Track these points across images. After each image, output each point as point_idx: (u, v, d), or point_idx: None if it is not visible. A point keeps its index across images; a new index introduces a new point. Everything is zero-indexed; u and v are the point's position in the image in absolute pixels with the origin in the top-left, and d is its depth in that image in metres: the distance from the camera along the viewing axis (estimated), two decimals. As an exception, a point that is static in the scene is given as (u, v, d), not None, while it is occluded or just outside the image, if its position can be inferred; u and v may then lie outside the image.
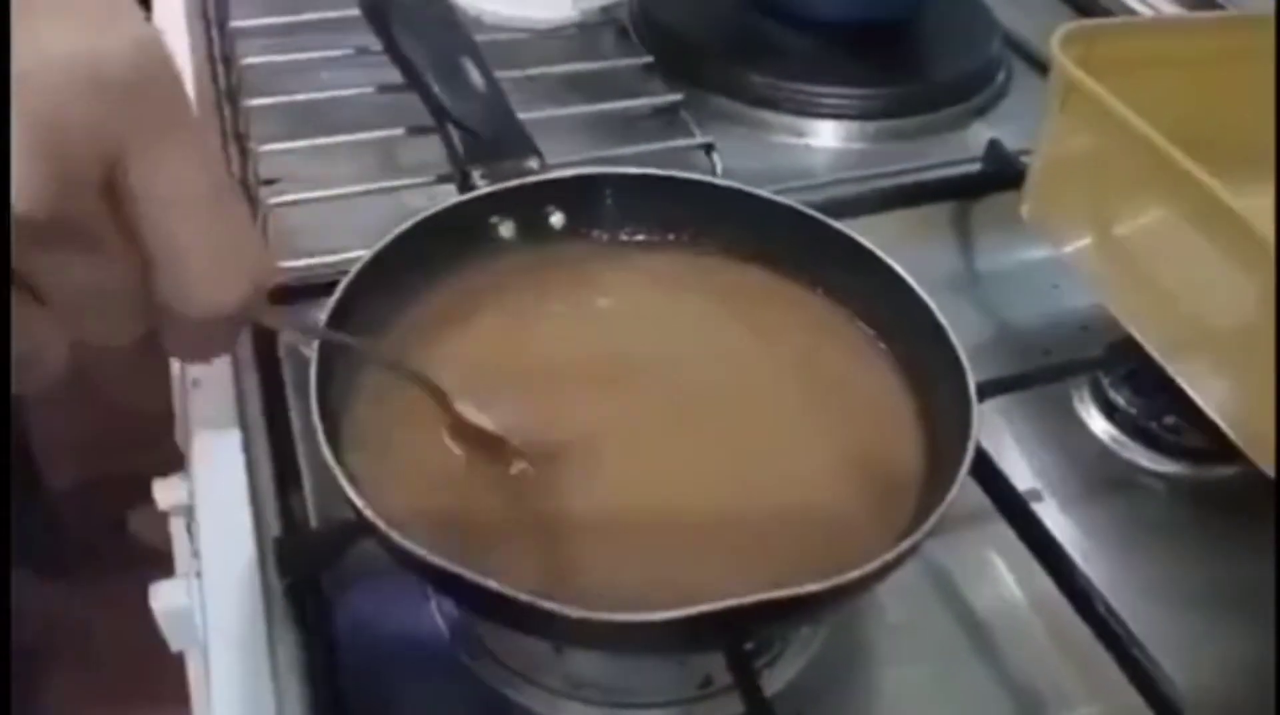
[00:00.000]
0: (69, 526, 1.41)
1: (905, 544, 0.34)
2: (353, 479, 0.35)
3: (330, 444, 0.35)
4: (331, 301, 0.40)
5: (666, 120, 0.65)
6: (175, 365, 0.67)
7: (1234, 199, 0.42)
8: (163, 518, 0.67)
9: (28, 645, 1.19)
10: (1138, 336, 0.49)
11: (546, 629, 0.35)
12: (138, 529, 1.34)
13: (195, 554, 0.46)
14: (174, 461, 0.60)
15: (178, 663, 0.62)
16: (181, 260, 0.24)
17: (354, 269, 0.41)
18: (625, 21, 0.72)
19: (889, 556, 0.34)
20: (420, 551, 0.33)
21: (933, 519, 0.35)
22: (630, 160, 0.56)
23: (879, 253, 0.45)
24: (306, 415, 0.41)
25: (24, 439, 1.34)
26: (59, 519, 1.41)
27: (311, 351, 0.38)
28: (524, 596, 0.31)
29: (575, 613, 0.31)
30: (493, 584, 0.32)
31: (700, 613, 0.31)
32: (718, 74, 0.69)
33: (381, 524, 0.33)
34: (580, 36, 0.71)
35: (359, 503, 0.34)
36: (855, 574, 0.33)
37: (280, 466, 0.44)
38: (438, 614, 0.42)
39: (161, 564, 0.60)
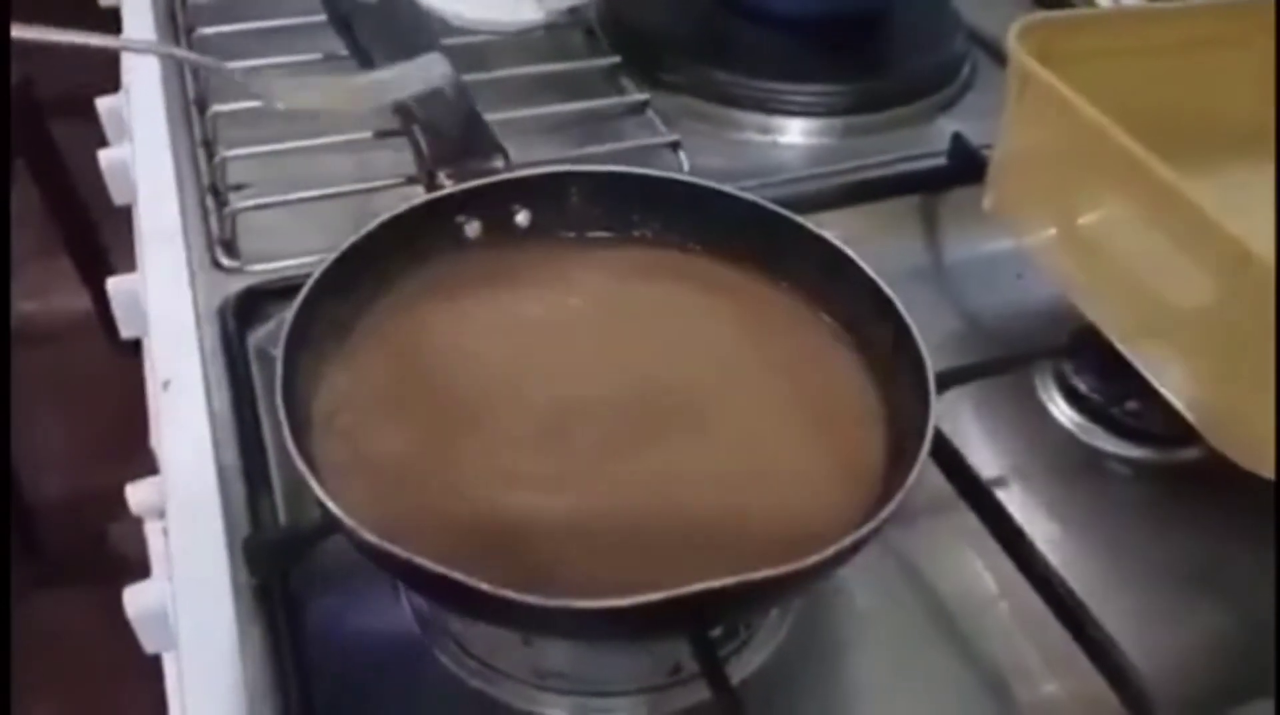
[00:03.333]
0: (50, 539, 1.41)
1: (863, 530, 0.35)
2: (318, 474, 0.35)
3: (296, 440, 0.36)
4: (297, 301, 0.40)
5: (634, 119, 0.66)
6: (148, 368, 0.68)
7: (1188, 186, 0.43)
8: (138, 524, 0.67)
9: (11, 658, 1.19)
10: (1098, 324, 0.49)
11: (512, 619, 0.35)
12: (119, 541, 1.34)
13: (168, 556, 0.47)
14: (152, 471, 0.61)
15: (155, 673, 0.62)
16: None
17: (319, 269, 0.42)
18: (592, 22, 0.73)
19: (846, 542, 0.34)
20: (385, 545, 0.33)
21: (891, 505, 0.36)
22: (598, 159, 0.57)
23: (840, 245, 0.45)
24: (275, 414, 0.41)
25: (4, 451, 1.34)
26: (39, 531, 1.40)
27: (279, 351, 0.38)
28: (487, 587, 0.32)
29: (538, 601, 0.32)
30: (457, 575, 0.32)
31: (662, 599, 0.32)
32: (684, 73, 0.70)
33: (346, 518, 0.34)
34: (547, 38, 0.71)
35: (323, 496, 0.34)
36: (814, 559, 0.34)
37: (249, 465, 0.44)
38: (408, 609, 0.43)
39: (139, 575, 0.60)
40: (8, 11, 0.35)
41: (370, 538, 0.33)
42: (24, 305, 1.68)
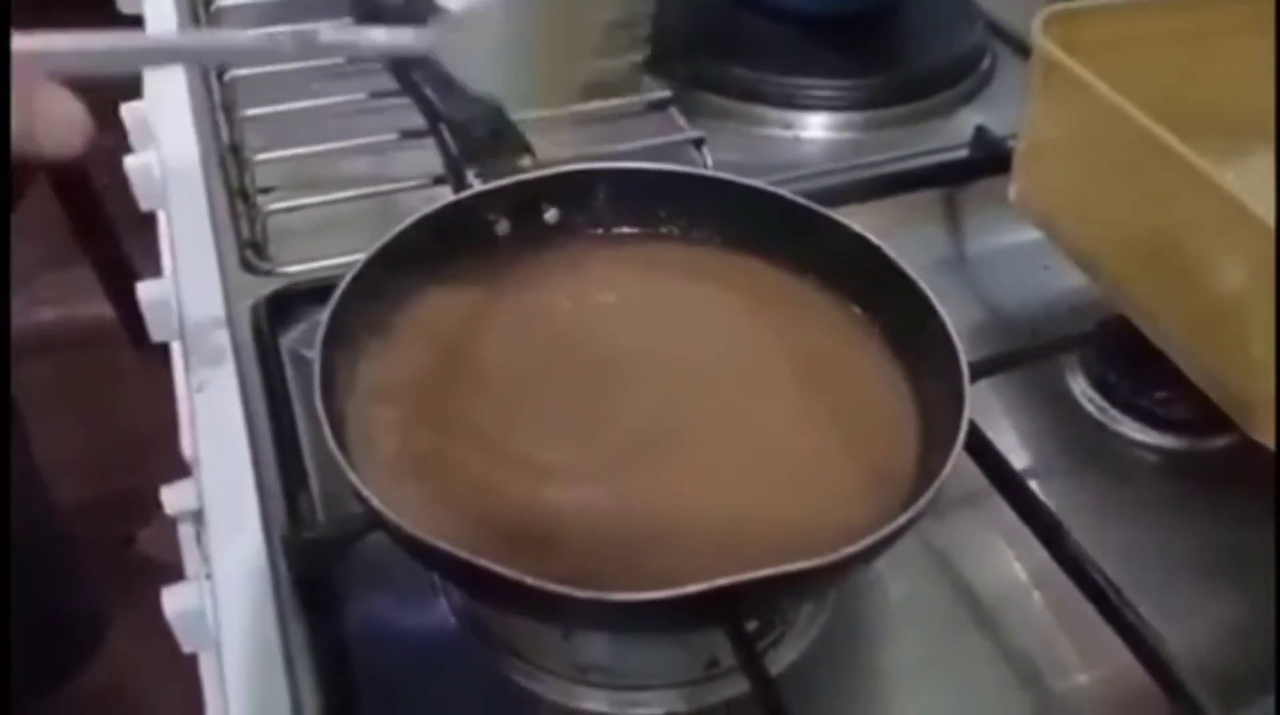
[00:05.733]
0: (76, 544, 1.41)
1: (899, 520, 0.35)
2: (359, 471, 0.36)
3: (336, 438, 0.36)
4: (332, 300, 0.40)
5: (656, 117, 0.66)
6: (179, 372, 0.69)
7: (1215, 171, 0.43)
8: (171, 528, 0.68)
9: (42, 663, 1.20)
10: (1126, 313, 0.49)
11: (552, 613, 0.36)
12: (144, 545, 1.35)
13: (205, 557, 0.47)
14: (179, 476, 0.61)
15: (189, 673, 0.63)
16: None
17: (352, 270, 0.42)
18: (612, 21, 0.73)
19: (884, 533, 0.35)
20: (430, 540, 0.33)
21: (927, 495, 0.36)
22: (622, 156, 0.57)
23: (869, 236, 0.45)
24: (311, 414, 0.42)
25: (28, 457, 1.34)
26: (66, 537, 1.41)
27: (316, 350, 0.39)
28: (530, 581, 0.32)
29: (579, 594, 0.32)
30: (500, 569, 0.32)
31: (701, 591, 0.32)
32: (706, 70, 0.70)
33: (390, 514, 0.34)
34: (568, 37, 0.71)
35: (366, 492, 0.35)
36: (850, 550, 0.34)
37: (286, 464, 0.45)
38: (446, 604, 0.43)
39: (171, 578, 0.60)
40: (7, 14, 0.35)
41: (415, 533, 0.34)
42: (43, 313, 1.69)
